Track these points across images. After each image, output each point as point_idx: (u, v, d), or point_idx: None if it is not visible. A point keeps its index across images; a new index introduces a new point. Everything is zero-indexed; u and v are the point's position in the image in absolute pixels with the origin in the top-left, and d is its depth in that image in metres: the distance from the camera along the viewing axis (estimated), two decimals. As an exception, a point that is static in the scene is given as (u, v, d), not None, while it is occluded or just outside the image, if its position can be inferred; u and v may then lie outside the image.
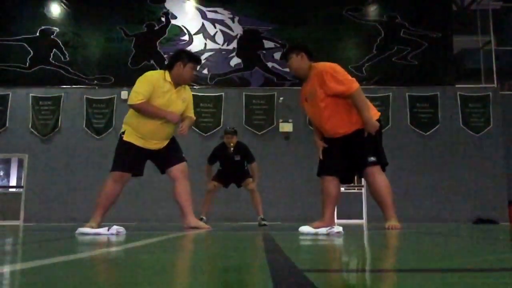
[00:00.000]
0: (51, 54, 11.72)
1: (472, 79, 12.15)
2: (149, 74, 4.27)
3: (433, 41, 11.82)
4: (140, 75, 4.39)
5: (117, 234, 2.95)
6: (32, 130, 11.31)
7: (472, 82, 12.03)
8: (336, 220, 9.94)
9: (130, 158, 4.29)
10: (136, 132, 4.24)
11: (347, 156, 4.29)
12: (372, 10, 12.12)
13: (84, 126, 11.30)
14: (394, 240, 2.91)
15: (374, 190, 4.37)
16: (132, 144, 4.23)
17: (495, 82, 11.68)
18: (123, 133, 4.30)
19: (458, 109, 11.47)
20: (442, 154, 11.29)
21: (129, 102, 4.19)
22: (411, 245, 2.46)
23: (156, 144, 4.33)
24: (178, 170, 4.38)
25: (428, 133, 11.38)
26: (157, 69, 11.53)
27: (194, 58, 4.48)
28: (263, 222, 6.46)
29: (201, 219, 5.79)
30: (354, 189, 11.51)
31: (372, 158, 4.26)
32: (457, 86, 11.69)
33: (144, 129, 4.23)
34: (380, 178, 4.32)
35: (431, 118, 11.44)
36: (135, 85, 4.17)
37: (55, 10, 12.02)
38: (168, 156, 4.38)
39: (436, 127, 11.39)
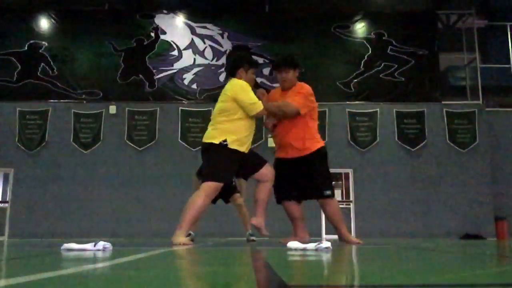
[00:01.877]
0: (39, 68, 11.67)
1: (458, 95, 12.33)
2: (243, 82, 4.37)
3: (419, 58, 12.00)
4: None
5: (104, 249, 2.92)
6: (19, 144, 11.19)
7: (458, 98, 12.21)
8: (324, 236, 9.89)
9: (236, 167, 4.30)
10: (243, 137, 4.28)
11: (301, 184, 4.56)
12: (360, 28, 12.29)
13: (71, 140, 11.21)
14: (382, 255, 2.91)
15: (328, 217, 4.71)
16: (239, 152, 4.23)
17: (481, 98, 11.86)
18: (225, 141, 4.20)
19: (445, 125, 11.61)
20: (429, 169, 11.39)
21: (256, 111, 4.27)
22: (400, 260, 2.46)
23: (248, 147, 4.38)
24: (268, 170, 4.40)
25: (415, 148, 11.48)
26: (145, 84, 11.62)
27: (255, 63, 4.70)
28: (251, 238, 6.42)
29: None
30: (342, 204, 11.52)
31: (328, 192, 4.55)
32: (443, 102, 11.85)
33: (248, 132, 4.33)
34: (334, 206, 4.65)
35: (418, 134, 11.56)
36: (244, 96, 4.25)
37: (44, 24, 12.01)
38: (252, 159, 4.39)
39: (423, 143, 11.50)
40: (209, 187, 4.17)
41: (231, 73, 4.47)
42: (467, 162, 11.42)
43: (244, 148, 4.27)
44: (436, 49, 12.15)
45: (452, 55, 12.66)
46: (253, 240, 6.29)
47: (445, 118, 11.63)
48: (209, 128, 4.39)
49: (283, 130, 4.55)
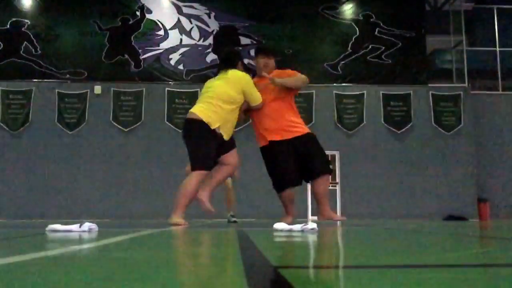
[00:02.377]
0: (22, 47, 11.44)
1: (444, 78, 12.40)
2: (247, 74, 4.60)
3: (407, 41, 12.01)
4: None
5: (89, 231, 2.90)
6: (2, 125, 11.03)
7: (444, 81, 12.28)
8: (310, 217, 9.97)
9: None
10: (232, 126, 4.54)
11: (305, 164, 4.65)
12: (348, 9, 12.23)
13: (56, 121, 11.07)
14: (368, 236, 2.94)
15: (319, 193, 4.79)
16: (222, 139, 4.45)
17: (466, 81, 11.94)
18: (218, 128, 4.38)
19: (430, 108, 11.69)
20: (415, 151, 11.50)
21: (258, 103, 4.55)
22: (385, 241, 2.49)
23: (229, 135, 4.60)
24: (235, 155, 4.62)
25: (401, 131, 11.57)
26: (131, 64, 11.47)
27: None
28: (233, 219, 6.47)
29: (232, 216, 6.14)
30: (329, 186, 11.61)
31: (331, 167, 4.97)
32: (429, 85, 11.91)
33: (236, 122, 4.61)
34: (328, 182, 4.95)
35: (404, 116, 11.63)
36: (252, 89, 4.53)
37: (27, 1, 11.73)
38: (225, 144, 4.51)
39: (409, 125, 11.59)
40: (200, 175, 4.31)
41: (232, 65, 4.61)
42: (451, 145, 11.56)
43: (227, 136, 4.45)
44: (423, 31, 12.16)
45: (439, 37, 12.68)
46: (235, 221, 6.33)
47: (431, 101, 11.71)
48: (204, 105, 4.40)
49: (275, 114, 4.60)
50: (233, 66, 4.58)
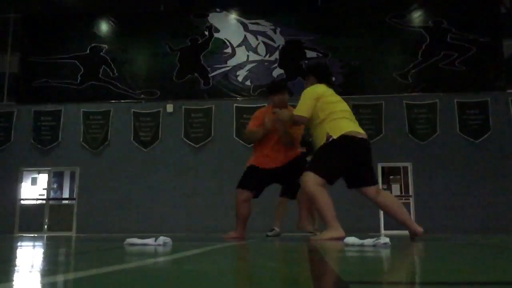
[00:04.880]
0: (100, 70, 12.17)
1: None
2: None
3: (481, 46, 11.44)
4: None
5: (164, 244, 3.00)
6: (83, 144, 11.73)
7: (524, 86, 11.53)
8: (383, 231, 9.66)
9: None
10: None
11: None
12: (417, 16, 11.88)
13: (132, 139, 11.62)
14: (444, 251, 2.81)
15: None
16: None
17: (550, 85, 11.15)
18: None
19: (510, 115, 11.02)
20: (495, 161, 10.86)
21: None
22: (462, 256, 2.37)
23: None
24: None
25: (479, 140, 10.98)
26: (201, 82, 11.83)
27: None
28: (272, 234, 6.00)
29: (272, 230, 5.98)
30: (401, 199, 11.22)
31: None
32: (508, 91, 11.24)
33: None
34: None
35: (482, 125, 11.04)
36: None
37: (104, 28, 12.50)
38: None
39: (488, 134, 10.98)
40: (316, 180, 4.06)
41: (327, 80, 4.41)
42: (536, 154, 10.79)
43: None
44: (499, 35, 11.54)
45: (517, 40, 11.97)
46: (276, 235, 5.94)
47: (511, 108, 11.03)
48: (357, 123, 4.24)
49: (280, 145, 4.87)
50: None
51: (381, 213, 10.35)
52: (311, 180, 3.97)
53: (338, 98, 4.25)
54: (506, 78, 11.52)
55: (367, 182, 4.13)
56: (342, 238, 3.64)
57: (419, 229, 4.06)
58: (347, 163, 4.04)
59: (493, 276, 1.39)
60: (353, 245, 2.98)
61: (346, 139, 3.98)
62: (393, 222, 4.44)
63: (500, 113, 11.07)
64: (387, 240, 2.87)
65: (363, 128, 4.23)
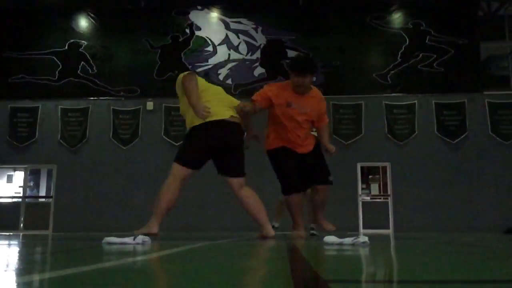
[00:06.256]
0: (79, 66, 12.00)
1: (500, 85, 11.91)
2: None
3: (459, 48, 11.65)
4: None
5: (143, 243, 2.98)
6: (61, 141, 11.56)
7: (500, 88, 11.80)
8: (361, 230, 9.76)
9: None
10: None
11: (307, 172, 4.56)
12: (397, 18, 12.03)
13: (111, 136, 11.49)
14: (421, 250, 2.86)
15: (319, 202, 4.64)
16: None
17: (525, 88, 11.42)
18: None
19: (487, 116, 11.25)
20: (471, 162, 11.07)
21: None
22: (438, 255, 2.41)
23: None
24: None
25: (455, 141, 11.18)
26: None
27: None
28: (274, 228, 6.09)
29: (273, 227, 5.75)
30: (380, 199, 11.35)
31: (331, 178, 4.60)
32: (485, 93, 11.47)
33: None
34: (328, 192, 4.68)
35: (459, 125, 11.24)
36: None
37: (83, 24, 12.32)
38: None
39: (464, 134, 11.19)
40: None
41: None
42: (510, 154, 11.04)
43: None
44: (476, 38, 11.76)
45: (493, 43, 12.23)
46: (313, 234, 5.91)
47: (487, 109, 11.26)
48: None
49: (303, 134, 4.47)
50: None
51: (360, 212, 10.46)
52: (171, 174, 4.38)
53: (208, 85, 4.52)
54: (482, 80, 11.75)
55: (231, 172, 4.17)
56: (152, 235, 3.91)
57: (272, 232, 4.19)
58: (206, 145, 4.17)
59: (467, 275, 1.42)
60: (332, 244, 3.00)
61: (207, 124, 4.09)
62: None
63: (477, 114, 11.29)
64: (365, 239, 2.90)
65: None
